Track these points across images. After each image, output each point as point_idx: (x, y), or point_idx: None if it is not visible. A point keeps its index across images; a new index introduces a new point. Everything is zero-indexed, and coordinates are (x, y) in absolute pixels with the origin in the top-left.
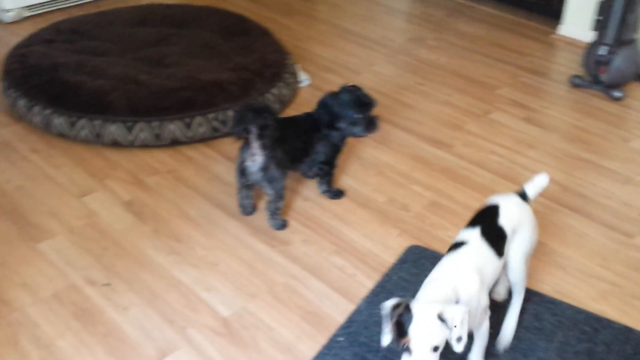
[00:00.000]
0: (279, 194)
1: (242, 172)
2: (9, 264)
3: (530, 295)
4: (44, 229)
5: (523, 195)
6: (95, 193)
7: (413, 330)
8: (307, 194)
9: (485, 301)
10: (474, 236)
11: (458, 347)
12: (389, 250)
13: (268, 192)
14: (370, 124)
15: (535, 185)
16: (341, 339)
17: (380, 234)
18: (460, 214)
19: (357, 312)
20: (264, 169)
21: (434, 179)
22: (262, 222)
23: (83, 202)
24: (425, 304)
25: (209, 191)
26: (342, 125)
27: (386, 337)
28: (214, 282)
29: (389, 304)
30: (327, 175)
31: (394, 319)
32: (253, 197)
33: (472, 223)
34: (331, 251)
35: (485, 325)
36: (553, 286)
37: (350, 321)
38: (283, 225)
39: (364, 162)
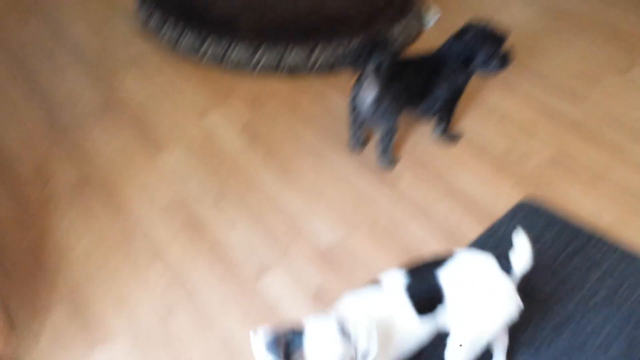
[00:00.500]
0: (390, 132)
1: (355, 106)
2: (129, 172)
3: None
4: (164, 142)
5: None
6: (215, 113)
7: (309, 350)
8: (421, 136)
9: None
10: (396, 285)
11: None
12: (500, 201)
13: (379, 128)
14: (504, 60)
15: (519, 256)
16: None
17: (492, 183)
18: (582, 174)
19: None
20: (376, 103)
21: (558, 133)
22: (371, 158)
23: (202, 120)
24: (319, 320)
25: (322, 122)
26: (476, 63)
27: None
28: (317, 211)
29: (267, 333)
30: (445, 118)
31: (282, 346)
32: (364, 132)
33: (411, 270)
34: (439, 195)
35: None
36: None
37: None
38: (392, 163)
39: (485, 109)
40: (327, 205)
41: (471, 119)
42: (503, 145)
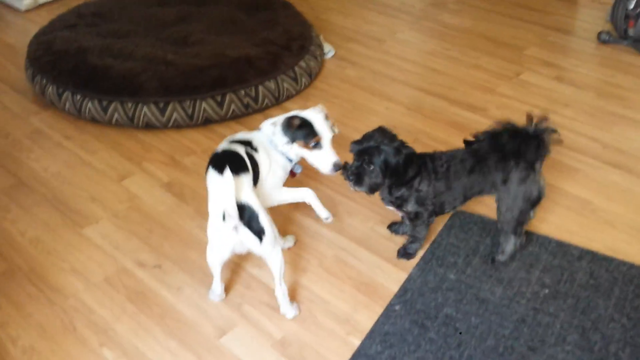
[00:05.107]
0: None
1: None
2: (57, 251)
3: (583, 254)
4: (87, 214)
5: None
6: (134, 176)
7: (320, 128)
8: None
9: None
10: None
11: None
12: None
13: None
14: None
15: None
16: (397, 307)
17: None
18: None
19: (409, 280)
20: None
21: None
22: None
23: (123, 185)
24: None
25: None
26: None
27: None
28: None
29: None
30: None
31: (296, 123)
32: None
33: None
34: (376, 221)
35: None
36: (604, 243)
37: (405, 289)
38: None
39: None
40: None
41: None
42: None
